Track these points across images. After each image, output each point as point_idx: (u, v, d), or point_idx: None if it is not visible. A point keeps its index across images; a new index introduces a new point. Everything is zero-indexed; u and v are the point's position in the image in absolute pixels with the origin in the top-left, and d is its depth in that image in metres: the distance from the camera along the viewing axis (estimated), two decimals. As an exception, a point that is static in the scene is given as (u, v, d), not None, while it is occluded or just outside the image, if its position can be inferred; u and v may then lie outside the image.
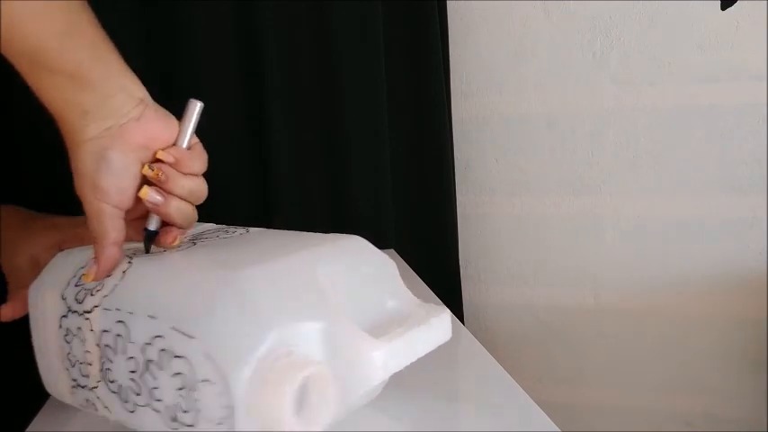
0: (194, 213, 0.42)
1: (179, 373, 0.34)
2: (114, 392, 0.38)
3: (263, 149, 0.90)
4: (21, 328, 0.44)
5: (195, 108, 0.41)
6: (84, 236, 0.49)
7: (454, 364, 0.56)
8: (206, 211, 0.45)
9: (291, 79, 0.90)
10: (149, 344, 0.35)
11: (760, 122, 0.97)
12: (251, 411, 0.32)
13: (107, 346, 0.37)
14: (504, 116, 1.06)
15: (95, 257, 0.39)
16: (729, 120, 0.98)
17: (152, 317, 0.35)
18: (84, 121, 0.38)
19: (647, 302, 1.07)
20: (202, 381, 0.33)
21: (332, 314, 0.36)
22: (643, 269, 1.06)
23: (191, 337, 0.33)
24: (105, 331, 0.37)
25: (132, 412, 0.37)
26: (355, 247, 0.42)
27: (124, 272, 0.39)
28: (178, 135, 0.41)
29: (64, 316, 0.40)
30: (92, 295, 0.39)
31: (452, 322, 0.62)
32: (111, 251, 0.39)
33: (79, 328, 0.39)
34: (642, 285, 1.07)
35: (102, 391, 0.39)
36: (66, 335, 0.40)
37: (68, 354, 0.40)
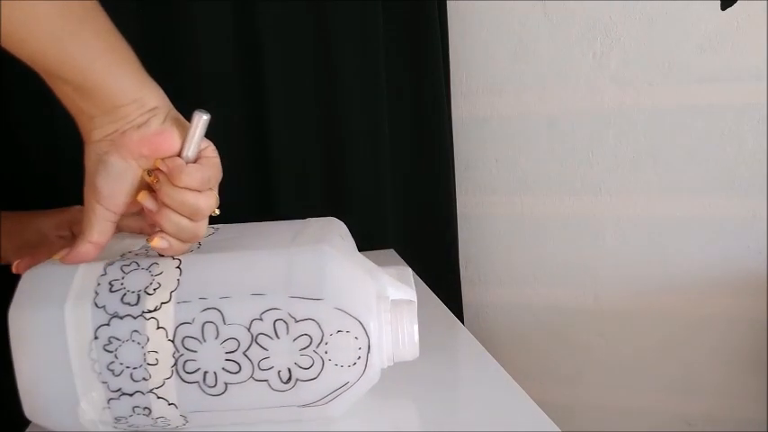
0: (193, 229, 0.41)
1: (304, 335, 0.39)
2: (192, 382, 0.39)
3: (263, 149, 0.90)
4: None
5: (198, 120, 0.40)
6: None
7: (454, 364, 0.56)
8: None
9: (291, 79, 0.90)
10: (259, 319, 0.39)
11: (760, 122, 0.97)
12: (382, 348, 0.41)
13: (188, 337, 0.38)
14: (504, 116, 1.06)
15: (73, 246, 0.40)
16: (729, 120, 0.98)
17: (258, 294, 0.39)
18: (91, 124, 0.38)
19: (647, 302, 1.07)
20: (336, 332, 0.39)
21: (377, 270, 0.45)
22: (643, 269, 1.06)
23: (318, 299, 0.39)
24: (185, 323, 0.38)
25: (220, 395, 0.39)
26: (339, 226, 0.51)
27: (178, 267, 0.40)
28: (182, 146, 0.40)
29: (104, 324, 0.39)
30: (149, 294, 0.39)
31: (452, 322, 0.63)
32: (86, 248, 0.40)
33: (135, 331, 0.38)
34: (642, 285, 1.07)
35: (169, 388, 0.39)
36: (106, 344, 0.39)
37: (110, 364, 0.39)
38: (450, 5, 1.00)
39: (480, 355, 0.55)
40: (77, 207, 0.57)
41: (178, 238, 0.41)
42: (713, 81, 0.98)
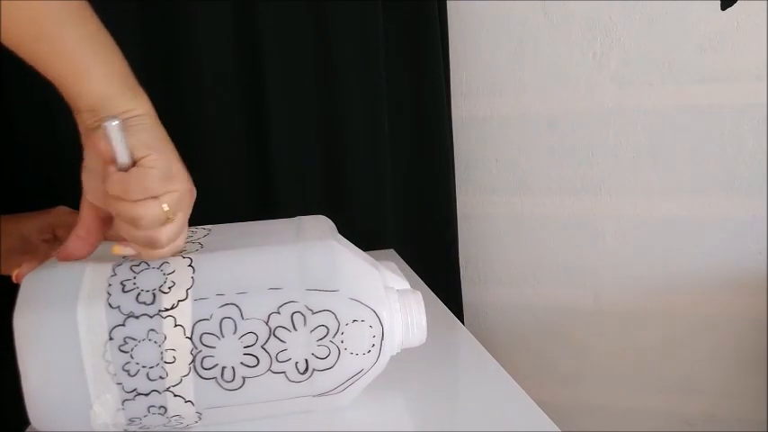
0: (144, 237, 0.39)
1: (321, 326, 0.40)
2: (210, 378, 0.39)
3: (263, 149, 0.90)
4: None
5: (108, 129, 0.36)
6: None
7: (454, 364, 0.56)
8: (205, 211, 0.45)
9: (291, 79, 0.90)
10: (276, 313, 0.40)
11: (760, 122, 0.97)
12: (393, 335, 0.42)
13: (207, 333, 0.39)
14: (504, 116, 1.06)
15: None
16: (729, 120, 0.98)
17: (275, 288, 0.40)
18: (77, 114, 0.39)
19: (647, 302, 1.07)
20: (351, 322, 0.41)
21: (376, 263, 0.47)
22: (643, 269, 1.06)
23: (334, 290, 0.40)
24: (203, 320, 0.39)
25: (237, 389, 0.40)
26: (330, 223, 0.53)
27: (190, 265, 0.41)
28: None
29: (120, 325, 0.38)
30: (164, 292, 0.39)
31: (452, 322, 0.63)
32: (73, 242, 0.40)
33: (152, 330, 0.38)
34: (642, 285, 1.07)
35: (187, 385, 0.39)
36: (122, 345, 0.38)
37: (125, 364, 0.38)
38: (450, 5, 0.99)
39: (480, 355, 0.55)
40: (61, 208, 0.56)
41: (136, 243, 0.40)
42: (713, 81, 0.98)
